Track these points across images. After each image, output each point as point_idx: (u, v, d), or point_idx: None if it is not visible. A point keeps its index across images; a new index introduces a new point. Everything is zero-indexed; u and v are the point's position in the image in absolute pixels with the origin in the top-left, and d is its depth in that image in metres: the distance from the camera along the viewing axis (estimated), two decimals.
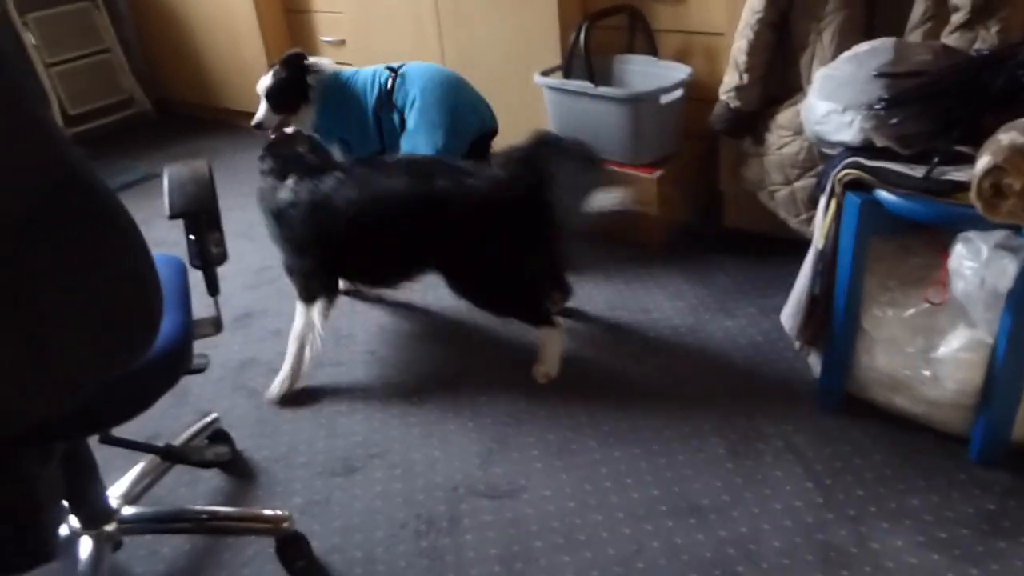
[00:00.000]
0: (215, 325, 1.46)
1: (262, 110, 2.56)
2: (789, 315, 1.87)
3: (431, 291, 2.42)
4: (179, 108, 4.30)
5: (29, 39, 3.69)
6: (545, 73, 2.61)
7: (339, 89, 2.60)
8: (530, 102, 2.82)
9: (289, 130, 2.43)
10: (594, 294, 2.33)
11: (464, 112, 2.43)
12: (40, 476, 1.16)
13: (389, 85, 2.51)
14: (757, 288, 2.29)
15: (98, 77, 3.98)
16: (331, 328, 2.28)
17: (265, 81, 2.56)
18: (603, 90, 2.41)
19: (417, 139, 2.43)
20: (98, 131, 3.95)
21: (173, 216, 1.27)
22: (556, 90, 2.55)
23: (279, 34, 3.62)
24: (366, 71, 2.61)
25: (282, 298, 2.46)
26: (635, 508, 1.60)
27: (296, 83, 2.54)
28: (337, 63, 3.46)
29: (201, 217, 1.30)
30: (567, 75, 2.53)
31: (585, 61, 2.43)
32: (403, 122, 2.49)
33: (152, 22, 4.13)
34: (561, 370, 2.01)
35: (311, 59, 2.60)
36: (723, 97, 2.24)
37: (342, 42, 3.41)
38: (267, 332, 2.30)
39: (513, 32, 2.76)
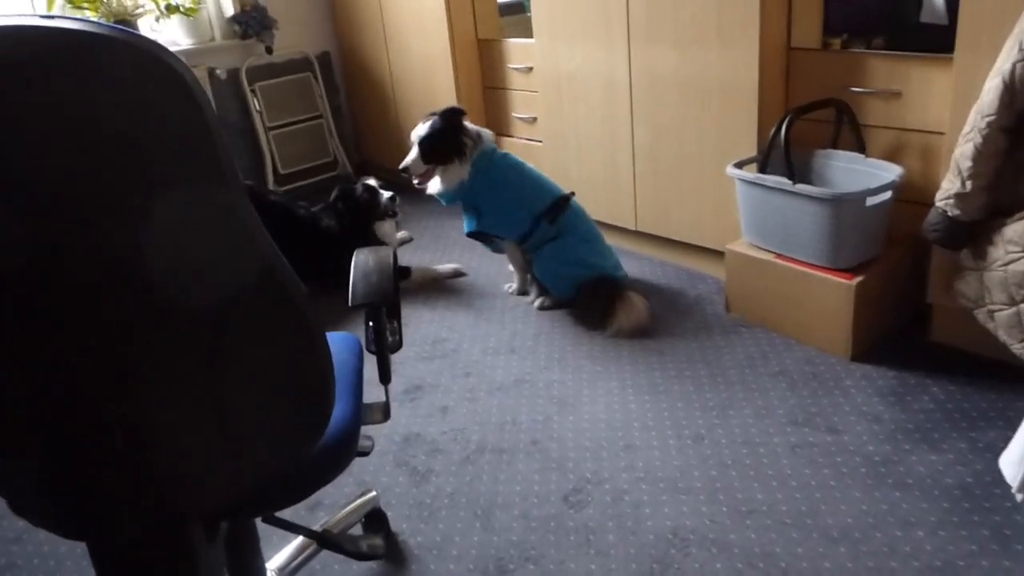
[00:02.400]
0: (384, 412, 1.46)
1: (412, 155, 2.76)
2: (1011, 462, 1.63)
3: (601, 385, 2.35)
4: (378, 173, 4.53)
5: (254, 105, 4.06)
6: (739, 165, 2.50)
7: (507, 170, 2.77)
8: (720, 193, 2.72)
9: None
10: (775, 403, 2.16)
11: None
12: (204, 553, 1.18)
13: (562, 205, 2.75)
14: (968, 418, 2.03)
15: (308, 141, 4.29)
16: (497, 411, 2.25)
17: (420, 130, 2.75)
18: (802, 188, 2.26)
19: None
20: (303, 189, 4.24)
21: (355, 306, 1.28)
22: (750, 184, 2.43)
23: (475, 109, 3.75)
24: (536, 172, 2.79)
25: (455, 374, 2.47)
26: None
27: (449, 138, 2.70)
28: (527, 139, 3.56)
29: (381, 308, 1.31)
30: (763, 169, 2.41)
31: (784, 155, 2.31)
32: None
33: (361, 93, 4.43)
34: (733, 492, 1.85)
35: (469, 124, 2.74)
36: (940, 204, 2.03)
37: (534, 119, 3.48)
38: (435, 408, 2.30)
39: (708, 119, 2.68)
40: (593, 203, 3.23)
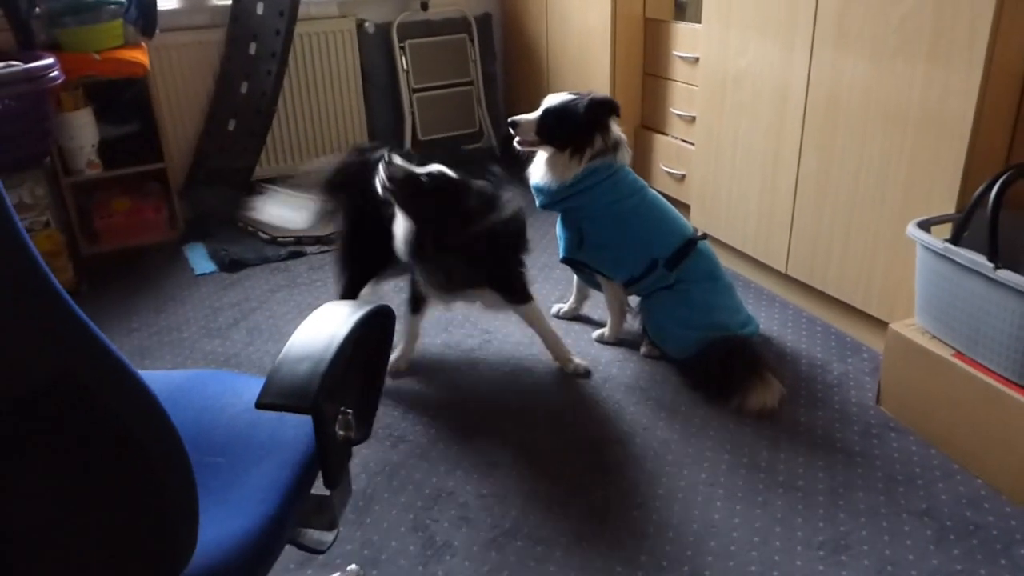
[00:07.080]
0: (329, 521, 1.11)
1: (530, 117, 2.22)
2: None
3: (687, 475, 1.87)
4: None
5: (402, 64, 3.79)
6: (926, 225, 1.90)
7: (634, 195, 2.24)
8: (898, 251, 2.12)
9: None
10: (910, 558, 1.60)
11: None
12: None
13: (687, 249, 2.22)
14: None
15: (455, 108, 3.98)
16: (551, 485, 1.85)
17: (555, 98, 2.22)
18: (1007, 276, 1.65)
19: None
20: (442, 160, 3.95)
21: (262, 407, 0.92)
22: (935, 254, 1.84)
23: (630, 96, 3.27)
24: (663, 203, 2.29)
25: (517, 433, 2.09)
26: None
27: (581, 126, 2.16)
28: (681, 139, 3.06)
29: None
30: (958, 237, 1.80)
31: (990, 226, 1.70)
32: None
33: (517, 64, 4.05)
34: None
35: (617, 130, 2.22)
36: None
37: (693, 119, 2.95)
38: (484, 460, 1.93)
39: (898, 156, 2.08)
40: (741, 233, 2.70)
